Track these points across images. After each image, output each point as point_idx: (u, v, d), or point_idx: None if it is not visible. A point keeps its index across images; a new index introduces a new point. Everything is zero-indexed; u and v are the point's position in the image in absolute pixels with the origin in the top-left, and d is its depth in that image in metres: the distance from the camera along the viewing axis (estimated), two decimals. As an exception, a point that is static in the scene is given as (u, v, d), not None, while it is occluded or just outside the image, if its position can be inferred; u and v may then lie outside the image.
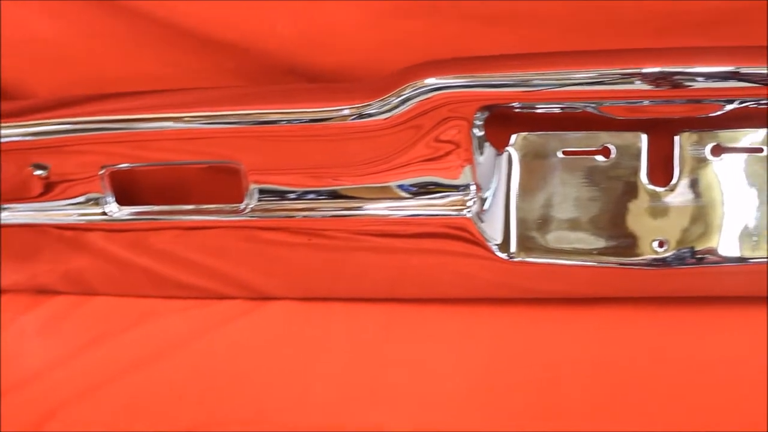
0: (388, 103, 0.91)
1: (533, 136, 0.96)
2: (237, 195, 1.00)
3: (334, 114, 0.94)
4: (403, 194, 0.97)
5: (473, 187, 0.95)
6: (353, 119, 0.93)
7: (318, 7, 1.00)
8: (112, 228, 1.04)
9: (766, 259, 0.94)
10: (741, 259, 0.94)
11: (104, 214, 1.03)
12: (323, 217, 0.98)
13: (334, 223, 0.98)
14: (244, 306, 1.05)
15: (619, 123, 0.94)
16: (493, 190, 0.96)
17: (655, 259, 0.95)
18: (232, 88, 1.05)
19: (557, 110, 0.93)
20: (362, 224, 0.98)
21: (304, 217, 0.99)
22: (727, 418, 0.91)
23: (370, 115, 0.93)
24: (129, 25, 1.05)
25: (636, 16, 0.97)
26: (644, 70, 0.87)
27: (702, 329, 0.98)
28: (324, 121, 0.94)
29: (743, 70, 0.87)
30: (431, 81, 0.90)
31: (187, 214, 1.02)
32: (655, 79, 0.87)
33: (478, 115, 0.92)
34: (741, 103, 0.90)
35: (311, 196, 0.99)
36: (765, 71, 0.87)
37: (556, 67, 0.89)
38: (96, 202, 1.03)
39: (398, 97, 0.91)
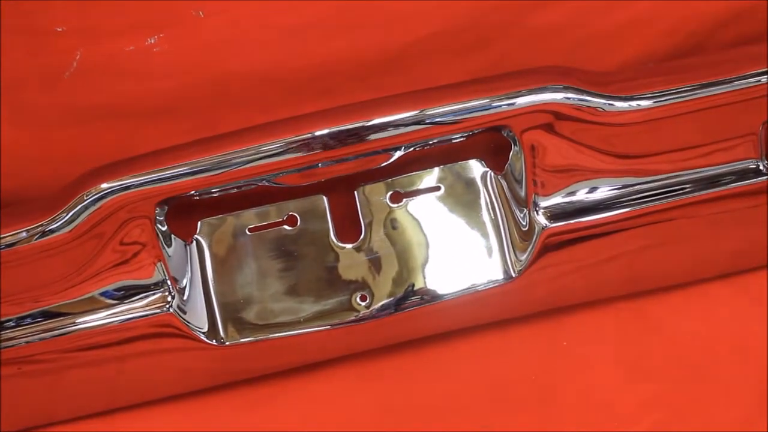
0: (63, 218, 0.90)
1: (216, 220, 0.97)
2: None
3: (16, 238, 0.92)
4: (105, 303, 0.95)
5: (169, 282, 0.95)
6: (37, 239, 0.92)
7: None
8: None
9: (466, 290, 0.97)
10: (444, 295, 0.97)
11: None
12: (30, 342, 0.95)
13: (43, 346, 0.95)
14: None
15: (301, 189, 0.96)
16: (189, 280, 0.96)
17: (361, 314, 0.97)
18: None
19: (235, 190, 0.93)
20: (71, 341, 0.95)
21: (10, 347, 0.95)
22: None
23: (51, 232, 0.91)
24: None
25: (296, 84, 1.01)
26: (304, 137, 0.89)
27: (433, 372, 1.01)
28: (9, 247, 0.92)
29: (401, 118, 0.91)
30: (102, 187, 0.90)
31: None
32: (319, 142, 0.90)
33: (158, 211, 0.92)
34: (407, 148, 0.93)
35: (12, 324, 0.96)
36: (420, 114, 0.91)
37: (220, 149, 0.90)
38: None
39: (71, 211, 0.90)
